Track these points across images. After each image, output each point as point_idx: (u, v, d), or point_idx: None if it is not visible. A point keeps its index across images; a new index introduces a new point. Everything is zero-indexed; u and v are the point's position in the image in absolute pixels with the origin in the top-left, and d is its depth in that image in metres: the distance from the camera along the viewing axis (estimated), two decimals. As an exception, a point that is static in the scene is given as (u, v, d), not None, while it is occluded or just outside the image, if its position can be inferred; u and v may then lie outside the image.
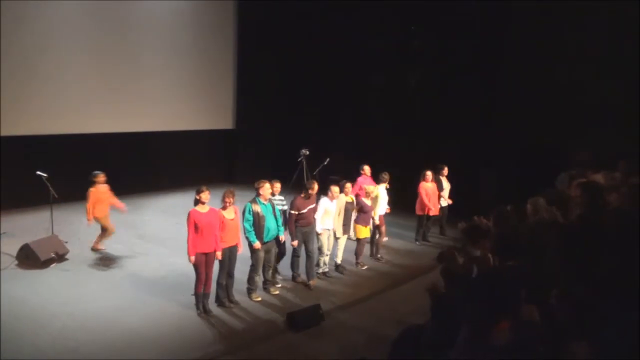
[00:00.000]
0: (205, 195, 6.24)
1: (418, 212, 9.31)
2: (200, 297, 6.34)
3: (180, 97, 12.99)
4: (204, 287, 6.38)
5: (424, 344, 3.59)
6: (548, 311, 3.12)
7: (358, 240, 8.25)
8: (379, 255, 8.65)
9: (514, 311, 2.96)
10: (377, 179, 8.79)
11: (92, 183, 8.18)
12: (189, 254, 6.17)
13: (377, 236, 8.63)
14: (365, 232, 8.16)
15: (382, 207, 8.58)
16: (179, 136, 12.96)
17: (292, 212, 7.15)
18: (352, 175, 8.77)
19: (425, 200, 9.14)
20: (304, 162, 11.44)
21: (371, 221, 8.25)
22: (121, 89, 11.79)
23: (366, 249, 8.52)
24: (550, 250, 3.57)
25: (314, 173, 11.03)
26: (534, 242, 3.64)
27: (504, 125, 10.61)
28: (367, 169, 9.08)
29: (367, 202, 8.05)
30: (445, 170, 9.62)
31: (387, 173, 8.73)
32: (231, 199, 6.46)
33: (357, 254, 8.25)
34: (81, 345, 5.55)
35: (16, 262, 7.59)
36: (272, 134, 13.81)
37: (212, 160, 13.77)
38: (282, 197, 7.38)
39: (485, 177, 10.75)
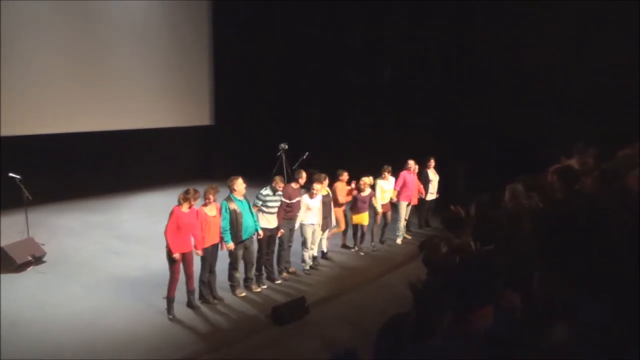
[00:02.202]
0: (195, 199, 6.16)
1: (409, 200, 9.24)
2: (172, 300, 6.23)
3: (156, 94, 12.81)
4: (188, 284, 6.34)
5: (407, 333, 3.62)
6: (528, 296, 3.17)
7: (353, 225, 8.48)
8: (372, 244, 8.80)
9: (495, 296, 3.00)
10: (378, 173, 8.80)
11: None
12: (172, 252, 6.07)
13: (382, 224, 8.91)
14: (357, 219, 8.30)
15: (384, 198, 8.71)
16: (155, 134, 12.77)
17: (283, 199, 7.15)
18: (331, 169, 8.76)
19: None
20: (284, 157, 11.41)
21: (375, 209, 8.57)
22: (95, 87, 11.56)
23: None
24: (528, 235, 3.63)
25: (294, 167, 11.01)
26: (512, 228, 3.70)
27: (474, 117, 10.72)
28: (411, 163, 9.09)
29: (364, 193, 8.22)
30: (432, 162, 9.64)
31: (389, 166, 8.84)
32: (213, 196, 6.40)
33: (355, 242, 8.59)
34: (61, 349, 5.45)
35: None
36: (250, 129, 13.72)
37: (190, 157, 13.63)
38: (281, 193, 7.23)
39: (459, 168, 10.86)
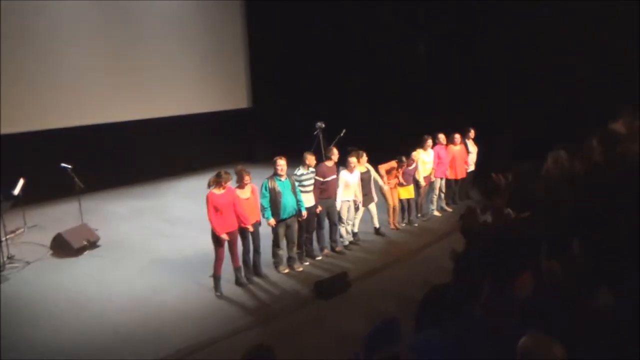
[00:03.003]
0: (226, 180, 6.28)
1: (444, 175, 9.21)
2: (218, 279, 6.48)
3: (193, 80, 13.04)
4: (233, 262, 6.59)
5: (449, 302, 3.67)
6: (568, 261, 3.15)
7: (401, 200, 8.56)
8: (419, 215, 8.92)
9: (535, 263, 3.01)
10: (421, 144, 8.80)
11: None
12: (218, 234, 6.28)
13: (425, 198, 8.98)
14: (404, 193, 8.40)
15: (425, 170, 8.75)
16: (195, 119, 13.05)
17: (317, 177, 7.24)
18: (369, 145, 8.75)
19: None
20: (321, 136, 11.43)
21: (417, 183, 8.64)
22: (134, 76, 11.87)
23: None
24: (569, 201, 3.58)
25: (331, 145, 11.04)
26: (553, 194, 3.65)
27: (515, 87, 10.43)
28: (442, 137, 9.06)
29: (410, 167, 8.36)
30: (472, 133, 9.49)
31: (429, 137, 8.83)
32: (246, 177, 6.55)
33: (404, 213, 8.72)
34: (119, 326, 5.81)
35: (51, 251, 7.89)
36: (289, 110, 13.81)
37: (231, 140, 13.85)
38: (314, 170, 7.33)
39: (501, 139, 10.61)
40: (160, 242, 8.32)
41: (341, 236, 7.85)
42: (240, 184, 6.57)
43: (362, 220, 8.20)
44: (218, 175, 6.29)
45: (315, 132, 11.51)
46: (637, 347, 2.50)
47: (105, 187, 11.03)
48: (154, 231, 8.83)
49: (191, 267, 7.24)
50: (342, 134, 11.04)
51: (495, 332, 2.90)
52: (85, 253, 7.87)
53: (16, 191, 8.25)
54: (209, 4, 13.20)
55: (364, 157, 7.84)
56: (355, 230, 8.13)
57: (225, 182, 6.28)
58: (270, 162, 6.89)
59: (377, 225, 8.31)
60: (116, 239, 8.44)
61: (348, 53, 12.84)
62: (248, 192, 6.62)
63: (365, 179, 7.85)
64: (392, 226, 8.54)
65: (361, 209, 8.02)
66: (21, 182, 8.32)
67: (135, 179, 11.74)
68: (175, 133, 12.60)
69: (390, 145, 9.02)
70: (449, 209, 9.38)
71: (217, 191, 6.31)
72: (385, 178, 8.29)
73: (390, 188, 8.36)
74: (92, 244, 8.04)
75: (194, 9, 12.95)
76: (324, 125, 11.48)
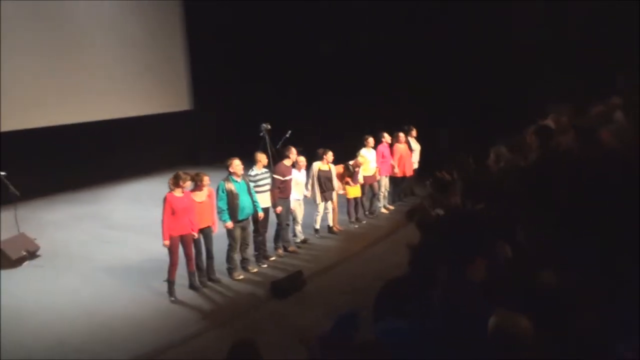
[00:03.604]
0: (187, 184, 6.26)
1: (391, 173, 9.50)
2: (172, 283, 6.38)
3: (133, 82, 12.71)
4: (188, 266, 6.51)
5: (407, 290, 3.87)
6: (517, 247, 3.43)
7: (348, 200, 8.72)
8: (366, 213, 9.13)
9: (487, 248, 3.25)
10: (361, 144, 9.00)
11: None
12: (163, 238, 6.20)
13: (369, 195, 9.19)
14: (353, 192, 8.59)
15: (369, 169, 8.91)
16: (135, 122, 12.70)
17: (276, 176, 7.29)
18: (313, 145, 8.89)
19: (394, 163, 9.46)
20: (267, 137, 11.47)
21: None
22: (71, 79, 11.43)
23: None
24: (512, 192, 3.88)
25: (277, 147, 11.10)
26: (500, 187, 3.94)
27: (449, 83, 10.93)
28: (386, 135, 9.27)
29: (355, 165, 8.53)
30: (414, 132, 9.86)
31: (369, 136, 9.03)
32: (205, 179, 6.50)
33: (349, 212, 8.82)
34: (65, 337, 5.58)
35: (-14, 264, 7.44)
36: (231, 111, 13.73)
37: (172, 143, 13.58)
38: (267, 170, 7.37)
39: (439, 135, 11.09)
40: (104, 248, 8.06)
41: (294, 235, 7.94)
42: (199, 186, 6.49)
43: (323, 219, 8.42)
44: (176, 177, 6.22)
45: (261, 134, 11.53)
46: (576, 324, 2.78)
47: (41, 194, 10.49)
48: (97, 238, 8.54)
49: (139, 273, 7.08)
50: (288, 135, 11.14)
51: (454, 314, 3.11)
52: (25, 263, 7.49)
53: None
54: (147, 5, 12.89)
55: (329, 155, 7.99)
56: (317, 226, 8.34)
57: (184, 183, 6.21)
58: (214, 165, 6.84)
59: (330, 223, 8.45)
60: (57, 247, 8.09)
61: (289, 52, 12.93)
62: (204, 195, 6.55)
63: (323, 177, 7.98)
64: (334, 228, 8.64)
65: (321, 205, 8.14)
66: None
67: (74, 185, 11.28)
68: (115, 136, 12.20)
69: (335, 145, 9.19)
70: (392, 207, 9.69)
71: (176, 193, 6.22)
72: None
73: (342, 187, 8.53)
74: (32, 254, 7.67)
75: (133, 11, 12.62)
76: (269, 127, 11.51)
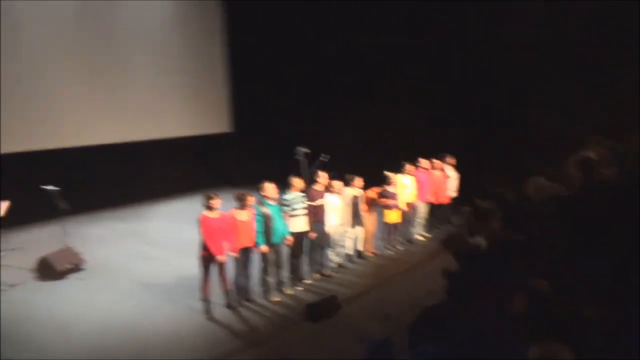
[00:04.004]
0: (216, 202, 6.41)
1: (427, 199, 9.45)
2: (208, 301, 6.52)
3: (175, 104, 13.16)
4: (223, 286, 6.63)
5: (441, 321, 3.86)
6: (557, 281, 3.40)
7: (387, 225, 8.78)
8: (402, 239, 9.13)
9: (526, 282, 3.24)
10: (398, 170, 9.01)
11: None
12: (215, 254, 6.33)
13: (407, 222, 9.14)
14: (393, 217, 8.64)
15: (406, 194, 8.92)
16: (176, 143, 13.11)
17: (309, 203, 7.37)
18: (351, 170, 8.97)
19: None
20: (303, 161, 11.62)
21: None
22: (115, 100, 11.93)
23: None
24: (553, 224, 3.85)
25: (312, 170, 11.23)
26: (541, 217, 3.92)
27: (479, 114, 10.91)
28: (423, 161, 9.32)
29: (392, 190, 8.56)
30: (451, 160, 9.79)
31: (408, 163, 9.07)
32: (249, 199, 6.64)
33: (387, 237, 8.87)
34: (106, 350, 5.77)
35: (34, 274, 7.78)
36: (270, 135, 13.98)
37: (211, 164, 13.93)
38: (302, 194, 7.43)
39: (473, 164, 11.01)
40: (144, 265, 8.30)
41: (330, 260, 8.00)
42: (243, 206, 6.61)
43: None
44: (207, 197, 6.39)
45: (298, 157, 11.70)
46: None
47: (85, 210, 10.91)
48: (138, 254, 8.80)
49: (178, 290, 7.25)
50: (324, 159, 11.26)
51: (489, 344, 3.10)
52: (69, 276, 7.78)
53: (0, 213, 8.12)
54: (190, 26, 13.42)
55: (357, 181, 8.07)
56: (351, 252, 8.36)
57: (213, 202, 6.36)
58: (249, 187, 6.97)
59: (360, 248, 8.49)
60: (99, 262, 8.37)
61: (330, 75, 13.15)
62: (247, 214, 6.67)
63: (355, 203, 8.06)
64: (367, 252, 8.63)
65: (351, 231, 8.20)
66: (5, 204, 8.20)
67: (116, 202, 11.68)
68: (156, 156, 12.61)
69: (371, 170, 9.25)
70: (428, 235, 9.64)
71: (210, 214, 6.39)
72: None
73: (367, 213, 8.49)
74: (76, 267, 7.97)
75: (175, 33, 13.15)
76: (306, 151, 11.67)
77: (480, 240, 4.29)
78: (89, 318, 6.51)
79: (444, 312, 4.12)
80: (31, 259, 8.04)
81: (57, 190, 8.39)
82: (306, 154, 11.51)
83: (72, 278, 7.79)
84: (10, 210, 8.19)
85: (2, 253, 8.51)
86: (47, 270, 7.70)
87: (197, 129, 13.71)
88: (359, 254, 8.52)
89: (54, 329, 6.22)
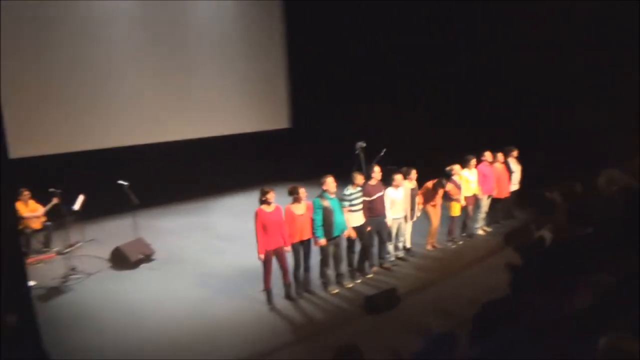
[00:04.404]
0: (270, 196, 6.53)
1: (490, 193, 9.23)
2: (269, 292, 6.71)
3: (237, 102, 13.56)
4: (284, 279, 6.81)
5: (504, 316, 3.78)
6: (624, 277, 3.25)
7: (452, 218, 8.71)
8: (463, 234, 9.01)
9: (592, 276, 3.12)
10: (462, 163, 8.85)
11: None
12: (258, 252, 6.52)
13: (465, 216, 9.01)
14: (455, 210, 8.61)
15: (469, 189, 8.80)
16: (238, 139, 13.51)
17: (364, 198, 7.39)
18: (408, 164, 8.86)
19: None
20: (362, 155, 11.64)
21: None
22: (181, 99, 12.46)
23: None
24: (625, 218, 3.68)
25: (371, 165, 11.22)
26: (610, 210, 3.76)
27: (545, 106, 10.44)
28: (488, 155, 9.16)
29: (456, 182, 8.51)
30: (515, 153, 9.50)
31: (473, 156, 8.89)
32: (303, 195, 6.74)
33: (450, 231, 8.81)
34: (176, 337, 6.11)
35: (109, 264, 8.33)
36: (328, 130, 14.10)
37: (271, 160, 14.21)
38: (362, 189, 7.43)
39: (538, 157, 10.58)
40: (211, 256, 8.64)
41: (388, 253, 8.01)
42: (297, 199, 6.74)
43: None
44: (262, 192, 6.53)
45: (356, 152, 11.73)
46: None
47: (155, 204, 11.45)
48: (205, 246, 9.18)
49: (243, 281, 7.51)
50: (382, 153, 11.23)
51: (554, 340, 3.02)
52: (141, 266, 8.25)
53: (76, 207, 8.73)
54: (250, 26, 13.73)
55: (413, 174, 8.02)
56: (408, 245, 8.33)
57: (268, 196, 6.48)
58: (308, 182, 7.06)
59: (408, 245, 8.41)
60: (169, 253, 8.80)
61: (388, 72, 13.09)
62: (303, 208, 6.80)
63: (413, 195, 8.05)
64: (429, 246, 8.59)
65: (409, 223, 8.17)
66: (81, 198, 8.81)
67: (183, 197, 12.21)
68: (220, 153, 13.04)
69: (431, 164, 9.12)
70: (489, 229, 9.41)
71: (266, 208, 6.55)
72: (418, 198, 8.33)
73: (433, 207, 8.44)
74: (148, 258, 8.43)
75: (237, 33, 13.50)
76: (364, 145, 11.68)
77: (545, 234, 4.17)
78: (160, 305, 6.90)
79: (505, 307, 4.04)
80: (106, 250, 8.60)
81: (128, 185, 8.89)
82: (364, 148, 11.51)
83: (144, 268, 8.25)
84: (85, 204, 8.79)
85: (79, 244, 9.17)
86: (121, 260, 8.20)
87: (259, 126, 14.05)
88: (407, 250, 8.42)
89: (128, 316, 6.64)
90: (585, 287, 3.22)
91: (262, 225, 6.46)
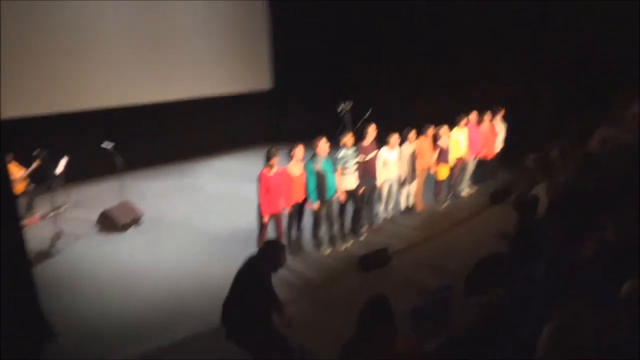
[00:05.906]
0: (276, 159, 6.45)
1: (478, 154, 9.34)
2: None
3: (217, 62, 13.25)
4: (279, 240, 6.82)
5: (508, 266, 3.91)
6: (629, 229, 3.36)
7: (437, 181, 8.76)
8: (449, 195, 9.11)
9: (598, 226, 3.22)
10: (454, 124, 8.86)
11: None
12: (262, 214, 6.52)
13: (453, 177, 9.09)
14: (442, 173, 8.64)
15: (458, 150, 8.84)
16: (220, 101, 13.26)
17: (359, 159, 7.33)
18: (397, 125, 8.85)
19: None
20: (347, 116, 11.57)
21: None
22: (159, 58, 12.06)
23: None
24: (625, 172, 3.78)
25: (357, 126, 11.16)
26: (611, 166, 3.85)
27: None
28: (473, 116, 9.12)
29: (444, 144, 8.50)
30: (501, 112, 9.51)
31: (464, 115, 8.89)
32: (299, 154, 6.65)
33: (436, 193, 8.83)
34: (174, 298, 6.15)
35: (97, 227, 8.22)
36: (312, 90, 13.93)
37: (255, 121, 14.04)
38: (355, 149, 7.35)
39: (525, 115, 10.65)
40: (201, 218, 8.57)
41: (379, 214, 8.08)
42: (293, 155, 6.63)
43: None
44: (268, 154, 6.43)
45: (342, 113, 11.64)
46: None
47: (141, 166, 11.23)
48: (194, 208, 9.10)
49: (234, 242, 7.48)
50: (368, 114, 11.16)
51: (560, 288, 3.14)
52: (130, 229, 8.17)
53: (59, 169, 8.51)
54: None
55: (412, 135, 8.00)
56: (402, 207, 8.42)
57: (274, 159, 6.42)
58: (296, 143, 6.87)
59: (410, 203, 8.53)
60: (158, 215, 8.69)
61: (373, 31, 12.88)
62: (299, 169, 6.73)
63: (412, 158, 8.05)
64: (418, 207, 8.68)
65: (407, 185, 8.24)
66: (64, 160, 8.58)
67: (168, 158, 12.02)
68: (204, 114, 12.81)
69: (418, 125, 9.12)
70: (474, 189, 9.56)
71: (268, 171, 6.49)
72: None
73: (423, 167, 8.49)
74: (136, 221, 8.34)
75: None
76: (350, 105, 11.58)
77: (539, 192, 4.27)
78: (152, 269, 6.87)
79: (501, 261, 4.17)
80: (91, 214, 8.45)
81: (112, 145, 8.66)
82: (349, 109, 11.39)
83: (133, 231, 8.16)
84: (68, 166, 8.57)
85: (64, 207, 8.99)
86: (109, 224, 8.09)
87: (240, 86, 13.79)
88: (408, 209, 8.55)
89: (124, 277, 6.62)
90: (589, 236, 3.32)
91: (266, 188, 6.42)
